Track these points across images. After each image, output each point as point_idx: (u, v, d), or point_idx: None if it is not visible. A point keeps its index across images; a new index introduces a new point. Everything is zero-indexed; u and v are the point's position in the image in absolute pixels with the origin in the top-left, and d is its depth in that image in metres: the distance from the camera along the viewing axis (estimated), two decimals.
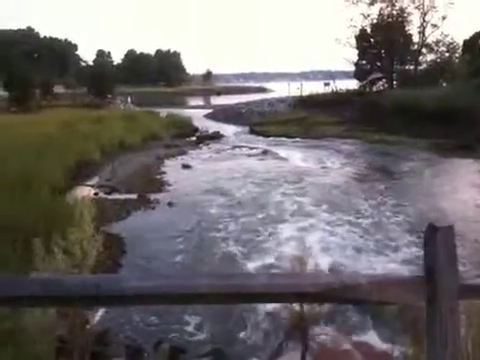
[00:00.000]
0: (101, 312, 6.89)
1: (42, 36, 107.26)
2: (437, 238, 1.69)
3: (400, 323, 3.90)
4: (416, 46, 44.30)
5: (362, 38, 44.75)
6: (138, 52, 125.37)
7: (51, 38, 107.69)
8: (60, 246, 4.31)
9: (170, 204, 13.94)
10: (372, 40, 45.22)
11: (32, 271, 4.12)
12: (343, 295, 1.69)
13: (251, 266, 9.19)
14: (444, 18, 41.79)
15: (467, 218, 11.84)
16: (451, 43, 43.11)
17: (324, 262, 8.92)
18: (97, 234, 4.74)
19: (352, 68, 47.26)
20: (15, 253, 6.15)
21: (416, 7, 42.88)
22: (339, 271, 8.13)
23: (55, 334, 4.29)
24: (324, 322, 6.36)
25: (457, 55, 43.09)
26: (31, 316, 3.91)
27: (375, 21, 44.27)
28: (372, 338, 6.27)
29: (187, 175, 18.62)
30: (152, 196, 14.79)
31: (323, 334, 6.14)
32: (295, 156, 22.70)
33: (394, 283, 1.73)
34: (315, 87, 47.84)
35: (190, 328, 6.81)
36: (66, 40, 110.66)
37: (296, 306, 4.71)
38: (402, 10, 43.49)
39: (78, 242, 4.33)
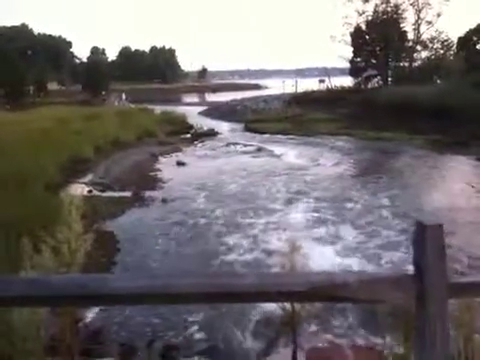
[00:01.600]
0: (95, 310, 6.88)
1: (36, 33, 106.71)
2: (426, 236, 1.67)
3: (391, 319, 3.91)
4: (411, 43, 44.41)
5: (357, 35, 44.76)
6: (133, 49, 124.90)
7: (45, 35, 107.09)
8: (48, 245, 4.28)
9: (164, 201, 13.92)
10: (367, 37, 45.26)
11: (21, 270, 4.09)
12: (331, 294, 1.68)
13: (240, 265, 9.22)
14: (439, 15, 42.05)
15: (459, 214, 11.91)
16: (446, 40, 43.25)
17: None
18: (87, 232, 4.71)
19: (347, 65, 47.30)
20: (7, 252, 6.11)
21: (411, 4, 43.06)
22: (327, 270, 8.16)
23: (46, 332, 4.27)
24: (314, 320, 6.38)
25: (452, 52, 43.21)
26: (20, 314, 3.88)
27: (370, 18, 44.34)
28: (362, 335, 6.29)
29: (181, 172, 18.60)
30: (146, 193, 14.77)
31: (313, 332, 6.17)
32: (289, 153, 22.70)
33: (383, 281, 1.71)
34: (310, 84, 47.94)
35: (183, 326, 6.80)
36: (60, 37, 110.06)
37: (287, 304, 4.71)
38: (397, 7, 43.58)
39: (66, 241, 4.30)
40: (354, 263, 9.15)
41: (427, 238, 1.67)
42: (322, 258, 9.19)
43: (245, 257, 9.50)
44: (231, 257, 9.55)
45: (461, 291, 1.84)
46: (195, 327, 6.75)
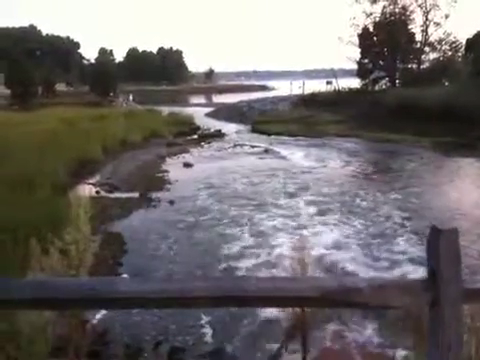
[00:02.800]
0: (102, 312, 6.86)
1: (44, 34, 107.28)
2: (440, 241, 1.64)
3: (402, 324, 3.87)
4: (419, 45, 44.24)
5: (365, 36, 44.61)
6: (140, 50, 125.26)
7: (53, 36, 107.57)
8: (56, 247, 4.27)
9: (171, 203, 13.91)
10: (375, 38, 45.09)
11: (29, 272, 4.08)
12: (343, 299, 1.65)
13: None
14: (447, 16, 41.84)
15: (468, 216, 11.86)
16: (454, 42, 43.05)
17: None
18: (95, 234, 4.69)
19: (355, 67, 47.16)
20: (15, 254, 6.11)
21: (419, 5, 42.90)
22: (339, 275, 8.14)
23: (53, 333, 4.26)
24: (325, 324, 6.33)
25: (460, 54, 43.00)
26: (26, 316, 3.87)
27: (378, 19, 44.20)
28: (373, 339, 6.23)
29: (188, 174, 18.58)
30: (153, 194, 14.77)
31: (324, 336, 6.12)
32: (297, 155, 22.64)
33: (395, 287, 1.68)
34: (317, 85, 47.82)
35: (190, 328, 6.77)
36: (68, 38, 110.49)
37: (297, 308, 4.67)
38: (405, 8, 43.43)
39: (74, 242, 4.28)
40: (359, 261, 9.15)
41: (441, 243, 1.64)
42: (330, 256, 9.24)
43: (252, 258, 9.47)
44: (239, 258, 9.52)
45: (475, 297, 1.81)
46: (202, 329, 6.72)
